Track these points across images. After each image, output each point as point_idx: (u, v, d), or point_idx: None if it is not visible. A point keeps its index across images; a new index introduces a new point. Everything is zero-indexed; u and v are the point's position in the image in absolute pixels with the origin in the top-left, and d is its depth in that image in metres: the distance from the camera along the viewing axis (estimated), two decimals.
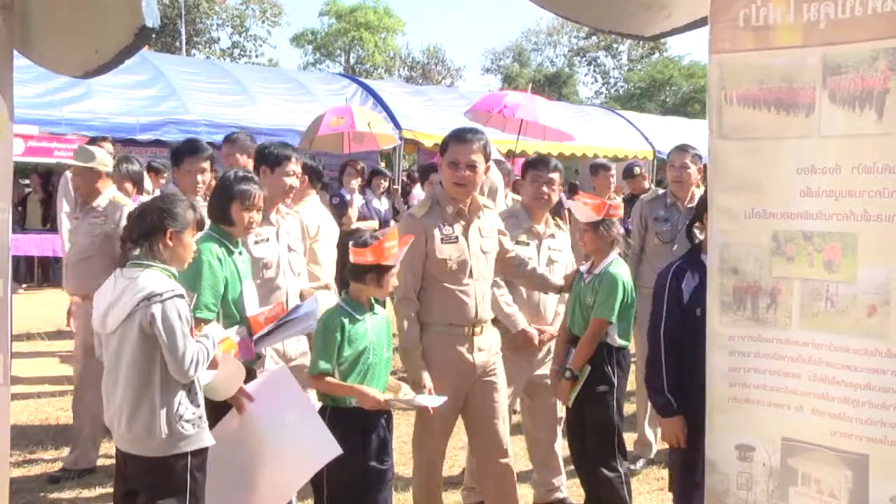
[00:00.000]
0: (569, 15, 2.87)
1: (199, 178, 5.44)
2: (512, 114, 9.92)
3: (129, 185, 6.39)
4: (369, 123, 11.24)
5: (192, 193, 5.25)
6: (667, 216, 6.34)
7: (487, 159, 4.44)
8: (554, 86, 47.88)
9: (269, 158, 4.74)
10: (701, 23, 2.90)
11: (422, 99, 18.59)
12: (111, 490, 5.14)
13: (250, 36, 45.97)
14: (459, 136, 4.41)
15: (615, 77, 53.14)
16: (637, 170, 9.88)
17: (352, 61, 47.22)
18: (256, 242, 4.58)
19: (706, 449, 2.96)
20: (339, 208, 9.38)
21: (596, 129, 18.44)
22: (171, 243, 3.59)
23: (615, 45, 49.87)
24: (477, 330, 4.49)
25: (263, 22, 45.72)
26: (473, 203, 4.51)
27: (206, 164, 5.42)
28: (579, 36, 50.32)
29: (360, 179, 9.92)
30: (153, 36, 2.77)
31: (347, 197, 9.29)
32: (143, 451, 3.55)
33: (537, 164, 5.23)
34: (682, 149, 6.45)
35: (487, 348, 4.55)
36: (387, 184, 11.57)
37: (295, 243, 4.87)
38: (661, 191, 6.89)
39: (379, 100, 16.76)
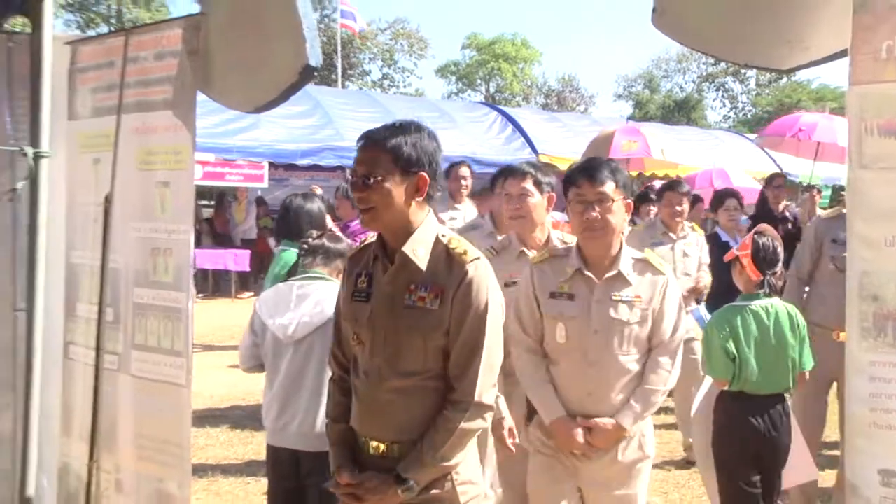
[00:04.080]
0: (706, 49, 2.77)
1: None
2: (808, 136, 8.97)
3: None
4: (662, 151, 10.20)
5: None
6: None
7: (627, 194, 3.20)
8: (683, 111, 46.87)
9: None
10: (839, 55, 2.75)
11: (557, 125, 18.52)
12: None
13: (399, 68, 46.87)
14: (585, 170, 3.19)
15: (743, 102, 51.59)
16: (782, 180, 8.27)
17: (491, 90, 47.45)
18: None
19: (847, 473, 2.80)
20: None
21: (724, 152, 17.96)
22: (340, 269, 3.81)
23: (743, 71, 48.38)
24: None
25: (411, 55, 46.59)
26: (610, 259, 3.19)
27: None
28: (708, 63, 49.07)
29: None
30: (316, 73, 2.82)
31: None
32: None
33: (673, 186, 6.24)
34: None
35: (610, 455, 3.21)
36: (656, 209, 9.66)
37: None
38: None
39: (517, 126, 16.78)
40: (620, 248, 3.20)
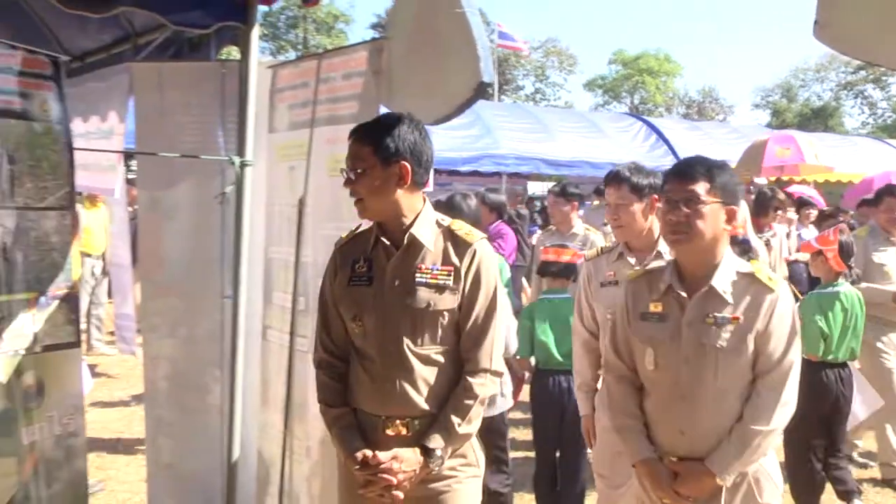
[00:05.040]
0: (872, 59, 2.54)
1: None
2: None
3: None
4: (816, 155, 9.65)
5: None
6: None
7: (729, 199, 2.52)
8: (820, 118, 44.36)
9: None
10: None
11: (698, 133, 17.88)
12: None
13: (550, 83, 46.74)
14: (677, 167, 2.60)
15: (883, 108, 48.23)
16: None
17: (635, 102, 46.47)
18: None
19: None
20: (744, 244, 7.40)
21: (861, 157, 16.84)
22: None
23: (884, 78, 45.21)
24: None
25: (561, 71, 46.32)
26: (707, 272, 2.52)
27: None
28: (847, 71, 46.19)
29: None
30: (489, 89, 2.81)
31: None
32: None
33: (893, 191, 5.56)
34: None
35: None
36: (815, 212, 8.73)
37: None
38: None
39: (661, 135, 16.32)
40: (721, 260, 2.52)
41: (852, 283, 4.43)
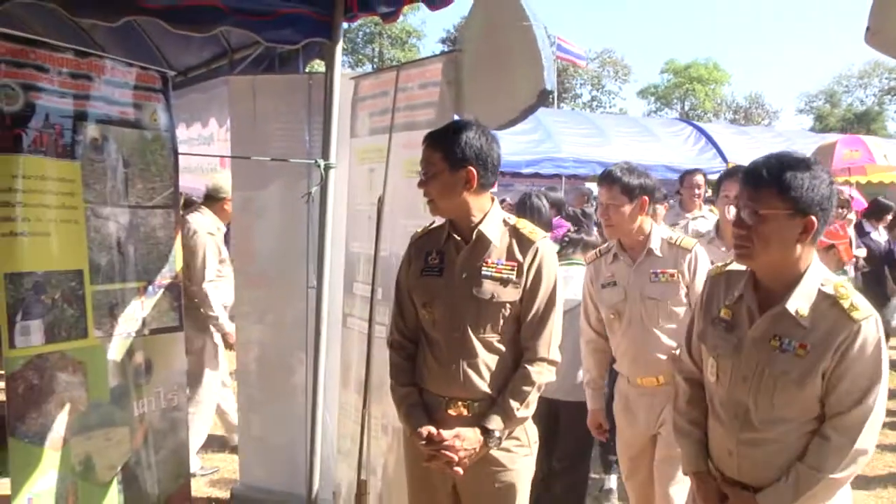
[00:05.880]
0: None
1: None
2: None
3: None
4: (885, 156, 9.25)
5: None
6: None
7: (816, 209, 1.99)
8: (862, 123, 42.77)
9: None
10: None
11: (745, 137, 17.44)
12: None
13: (605, 91, 46.10)
14: (748, 172, 2.03)
15: None
16: None
17: (685, 108, 45.57)
18: None
19: None
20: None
21: None
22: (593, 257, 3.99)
23: None
24: None
25: (616, 80, 45.65)
26: (783, 287, 2.06)
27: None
28: (891, 77, 44.40)
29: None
30: (550, 96, 2.77)
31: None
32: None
33: None
34: None
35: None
36: (890, 216, 7.90)
37: None
38: None
39: (709, 138, 15.96)
40: (803, 277, 2.01)
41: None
